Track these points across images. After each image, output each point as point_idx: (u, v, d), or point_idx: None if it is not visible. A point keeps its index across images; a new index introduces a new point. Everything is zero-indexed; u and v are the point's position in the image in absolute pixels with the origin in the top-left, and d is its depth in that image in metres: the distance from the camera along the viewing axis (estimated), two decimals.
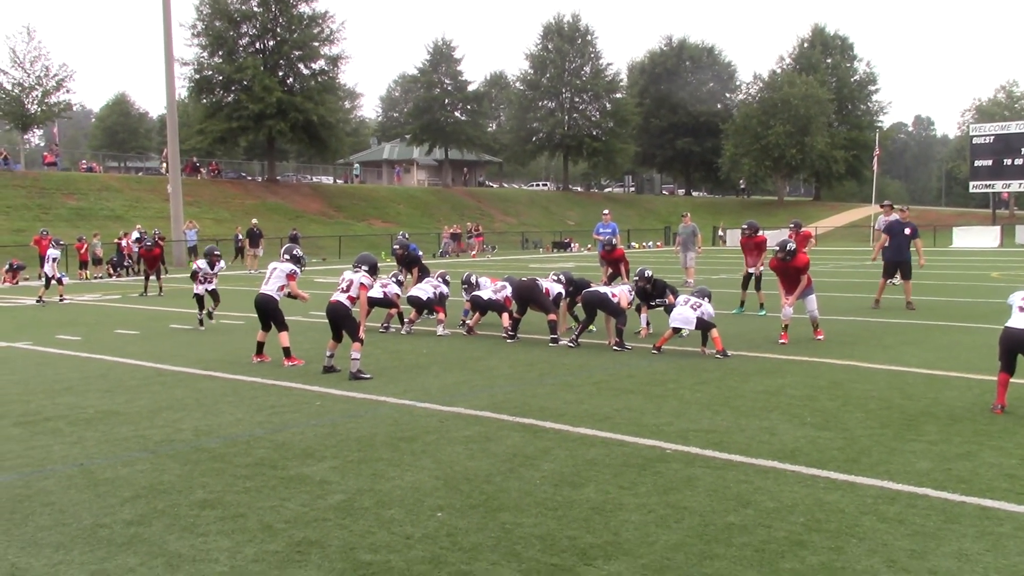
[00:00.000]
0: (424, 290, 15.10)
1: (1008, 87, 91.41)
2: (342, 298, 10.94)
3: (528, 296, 13.98)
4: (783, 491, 6.11)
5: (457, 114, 77.10)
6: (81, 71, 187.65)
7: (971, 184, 57.59)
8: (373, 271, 11.26)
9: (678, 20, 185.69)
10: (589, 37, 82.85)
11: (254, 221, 39.94)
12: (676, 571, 4.79)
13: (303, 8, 61.54)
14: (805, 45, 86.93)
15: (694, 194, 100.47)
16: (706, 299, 12.24)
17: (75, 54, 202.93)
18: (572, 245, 55.44)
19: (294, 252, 12.37)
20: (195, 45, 59.93)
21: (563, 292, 14.21)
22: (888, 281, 17.79)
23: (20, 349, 13.93)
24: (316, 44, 62.05)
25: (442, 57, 76.70)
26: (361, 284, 11.00)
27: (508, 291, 14.49)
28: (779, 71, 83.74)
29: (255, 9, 60.15)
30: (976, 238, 50.55)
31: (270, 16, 60.30)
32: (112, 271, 35.42)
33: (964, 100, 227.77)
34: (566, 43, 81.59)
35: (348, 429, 8.07)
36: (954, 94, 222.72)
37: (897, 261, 17.55)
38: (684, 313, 12.11)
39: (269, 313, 11.94)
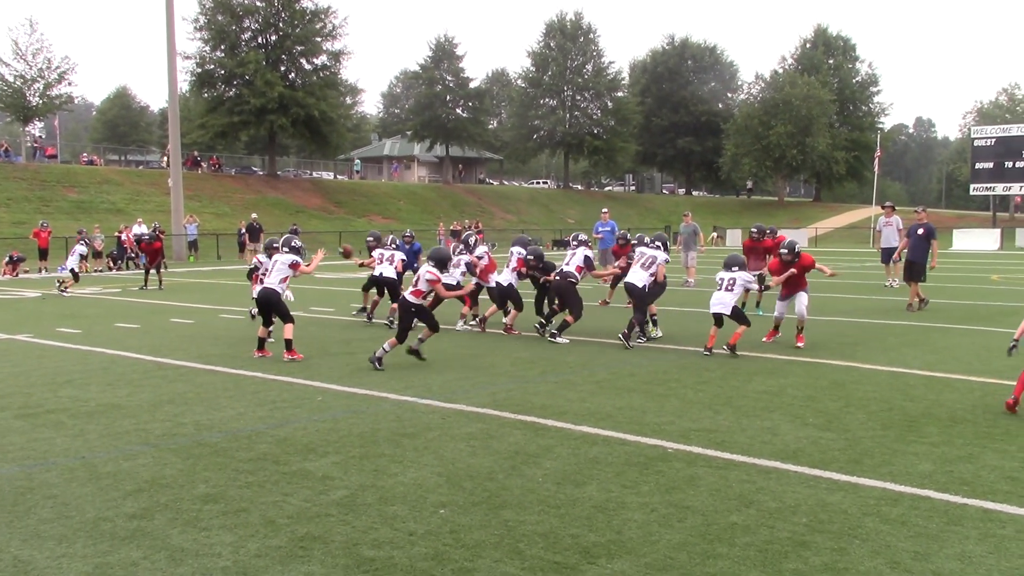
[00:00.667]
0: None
1: (1010, 90, 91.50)
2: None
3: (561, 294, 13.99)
4: (786, 491, 6.11)
5: (459, 111, 77.06)
6: (83, 64, 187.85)
7: (972, 186, 57.60)
8: (441, 265, 11.84)
9: (681, 19, 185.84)
10: (591, 35, 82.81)
11: (254, 216, 39.95)
12: (679, 570, 4.79)
13: (306, 3, 61.53)
14: (807, 45, 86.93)
15: (694, 193, 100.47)
16: (736, 268, 12.42)
17: (77, 47, 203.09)
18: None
19: (293, 243, 12.37)
20: (197, 39, 59.94)
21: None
22: (889, 283, 17.78)
23: (21, 342, 13.92)
24: (318, 39, 62.01)
25: (444, 54, 76.65)
26: (430, 278, 11.64)
27: (514, 257, 14.63)
28: (781, 71, 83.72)
29: (258, 4, 60.07)
30: (976, 240, 50.55)
31: (272, 11, 60.24)
32: (112, 264, 35.42)
33: (965, 102, 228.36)
34: (568, 41, 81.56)
35: (350, 425, 8.07)
36: (955, 96, 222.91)
37: (910, 261, 17.57)
38: (722, 298, 12.22)
39: (272, 306, 11.95)
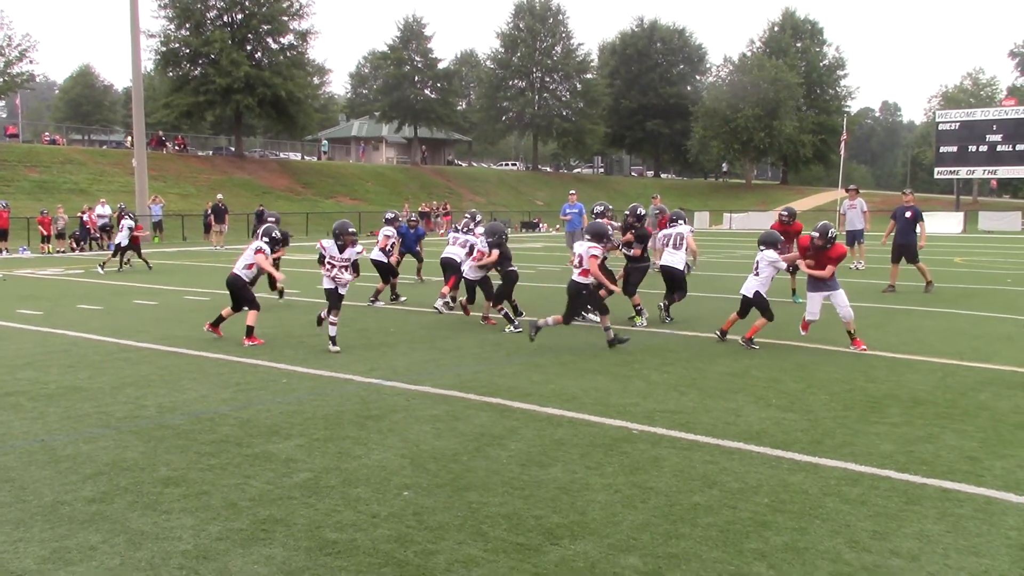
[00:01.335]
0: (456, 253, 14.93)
1: (974, 74, 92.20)
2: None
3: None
4: (748, 472, 6.15)
5: (427, 92, 76.67)
6: (45, 41, 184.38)
7: (936, 170, 58.19)
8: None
9: (650, 1, 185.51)
10: (561, 17, 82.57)
11: (220, 197, 39.51)
12: (642, 550, 4.81)
13: None
14: (775, 29, 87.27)
15: (663, 176, 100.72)
16: (762, 247, 11.35)
17: (39, 24, 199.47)
18: (541, 225, 55.41)
19: (273, 234, 12.43)
20: (162, 17, 59.00)
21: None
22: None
23: None
24: (285, 18, 61.30)
25: (412, 34, 76.17)
26: (594, 254, 11.11)
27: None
28: (749, 54, 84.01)
29: None
30: (940, 224, 50.95)
31: None
32: (76, 245, 34.98)
33: (931, 87, 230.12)
34: (537, 22, 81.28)
35: (314, 407, 8.03)
36: (921, 81, 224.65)
37: (899, 244, 17.69)
38: (750, 282, 11.40)
39: (235, 291, 11.85)
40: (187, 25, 58.78)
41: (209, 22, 59.47)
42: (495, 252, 13.13)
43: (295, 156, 78.74)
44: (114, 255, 24.58)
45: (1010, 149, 53.08)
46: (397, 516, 5.29)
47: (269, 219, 13.66)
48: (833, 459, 6.46)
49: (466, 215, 16.24)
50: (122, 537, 4.96)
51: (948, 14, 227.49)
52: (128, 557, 4.70)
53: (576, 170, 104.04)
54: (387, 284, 16.15)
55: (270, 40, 61.87)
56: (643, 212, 13.69)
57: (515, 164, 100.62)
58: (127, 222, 24.75)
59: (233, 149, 67.84)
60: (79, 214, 36.52)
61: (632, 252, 13.32)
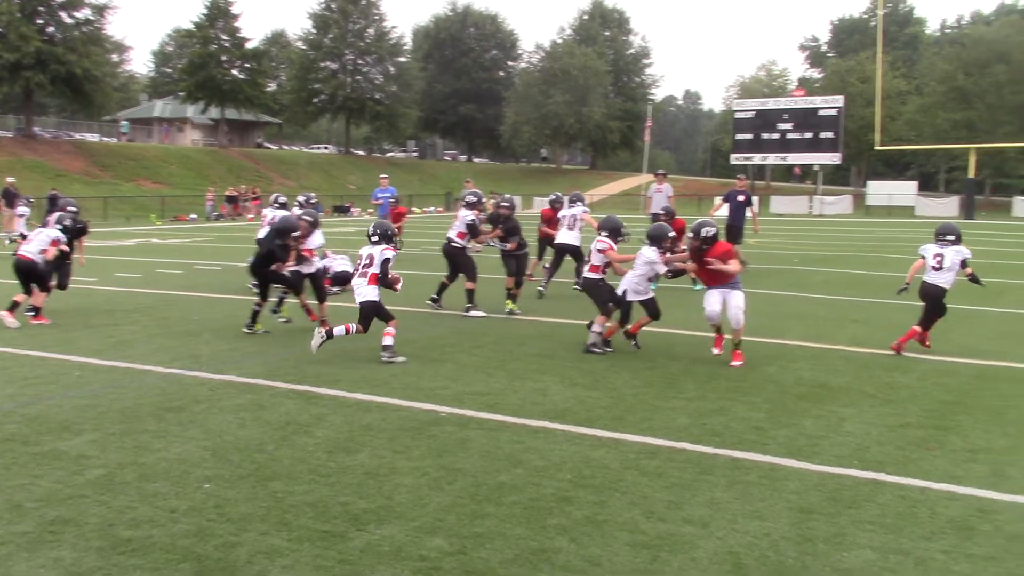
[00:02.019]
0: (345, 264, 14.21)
1: (768, 65, 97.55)
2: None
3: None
4: (552, 450, 6.31)
5: (235, 72, 74.13)
6: None
7: (733, 156, 61.03)
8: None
9: None
10: None
11: (10, 180, 36.97)
12: (447, 531, 4.86)
13: None
14: (585, 17, 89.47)
15: (476, 160, 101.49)
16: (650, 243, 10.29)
17: None
18: (352, 209, 54.80)
19: (66, 223, 12.23)
20: None
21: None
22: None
23: None
24: None
25: (219, 12, 73.28)
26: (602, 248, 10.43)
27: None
28: (560, 41, 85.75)
29: None
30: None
31: None
32: None
33: (729, 77, 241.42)
34: (350, 3, 79.93)
35: (110, 400, 7.66)
36: (720, 71, 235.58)
37: (730, 225, 18.58)
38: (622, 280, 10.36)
39: (29, 275, 11.51)
40: None
41: None
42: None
43: (92, 137, 74.57)
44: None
45: (799, 137, 56.34)
46: (197, 510, 5.13)
47: (69, 209, 12.90)
48: (633, 434, 6.72)
49: (299, 198, 15.20)
50: None
51: (746, 8, 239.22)
52: None
53: (389, 154, 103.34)
54: None
55: (64, 14, 58.10)
56: (506, 204, 13.31)
57: (327, 147, 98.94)
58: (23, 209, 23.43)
59: (23, 129, 63.60)
60: None
61: (508, 247, 13.06)
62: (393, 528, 4.89)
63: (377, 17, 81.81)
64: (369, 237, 9.64)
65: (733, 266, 9.71)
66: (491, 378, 8.61)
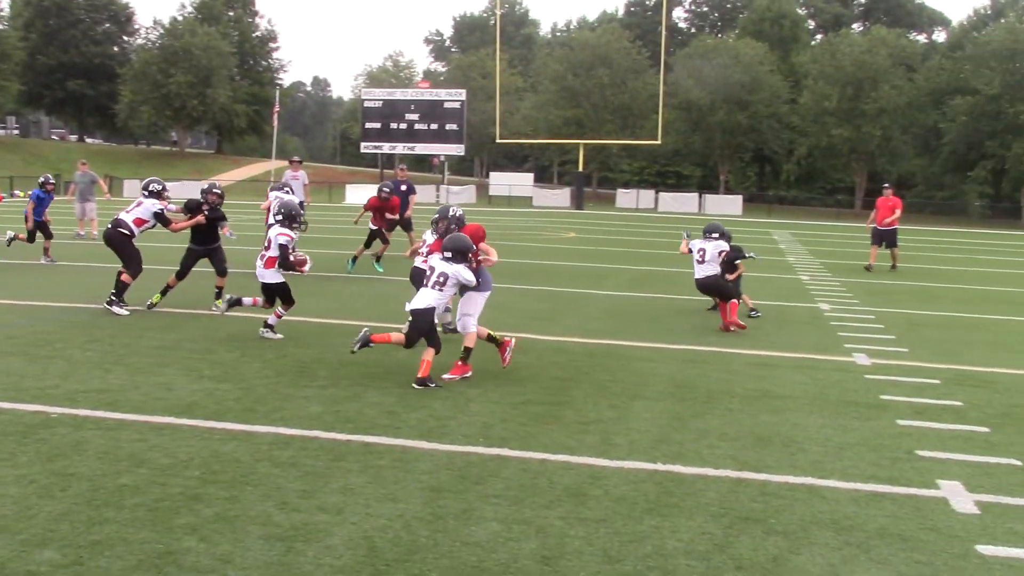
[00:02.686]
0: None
1: (395, 56, 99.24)
2: None
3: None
4: (179, 447, 6.02)
5: None
6: None
7: (362, 145, 61.70)
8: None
9: None
10: None
11: None
12: (60, 542, 4.47)
13: None
14: None
15: (88, 141, 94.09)
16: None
17: None
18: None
19: None
20: None
21: None
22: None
23: None
24: None
25: None
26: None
27: None
28: (180, 19, 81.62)
29: None
30: (365, 195, 54.50)
31: None
32: None
33: (357, 66, 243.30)
34: None
35: None
36: (349, 59, 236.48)
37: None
38: (425, 295, 8.37)
39: None
40: None
41: None
42: None
43: None
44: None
45: (426, 128, 58.12)
46: None
47: None
48: (265, 425, 6.58)
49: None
50: None
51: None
52: None
53: None
54: None
55: None
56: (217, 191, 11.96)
57: None
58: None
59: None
60: None
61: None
62: None
63: None
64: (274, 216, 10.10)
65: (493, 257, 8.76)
66: (109, 374, 8.04)
